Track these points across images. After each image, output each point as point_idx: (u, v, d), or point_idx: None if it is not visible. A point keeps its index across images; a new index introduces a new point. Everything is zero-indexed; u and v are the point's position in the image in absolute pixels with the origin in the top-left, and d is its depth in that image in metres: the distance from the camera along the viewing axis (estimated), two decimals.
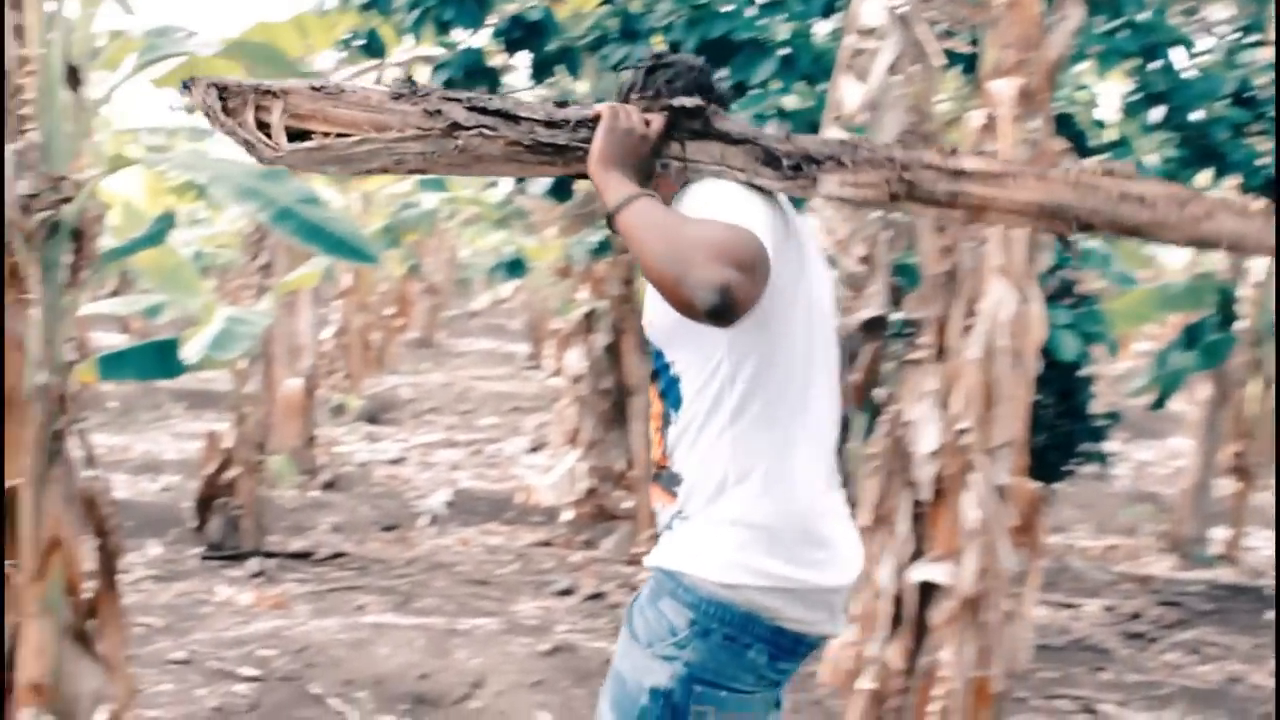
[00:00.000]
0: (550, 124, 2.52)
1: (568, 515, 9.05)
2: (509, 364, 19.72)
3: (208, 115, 2.48)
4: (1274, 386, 8.92)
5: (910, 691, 4.88)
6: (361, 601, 7.20)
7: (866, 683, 4.87)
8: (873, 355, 5.14)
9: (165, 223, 5.63)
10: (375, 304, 16.46)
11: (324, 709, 5.52)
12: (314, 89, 2.51)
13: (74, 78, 4.27)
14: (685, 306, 2.25)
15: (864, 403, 5.40)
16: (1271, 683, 6.62)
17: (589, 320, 8.92)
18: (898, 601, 4.85)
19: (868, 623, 4.93)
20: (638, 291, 8.82)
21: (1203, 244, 2.49)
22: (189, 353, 6.01)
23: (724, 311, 2.23)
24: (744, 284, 2.25)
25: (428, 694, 5.74)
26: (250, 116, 2.47)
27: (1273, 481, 11.93)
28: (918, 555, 4.86)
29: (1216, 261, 9.37)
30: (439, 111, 2.49)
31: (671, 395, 2.62)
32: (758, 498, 2.53)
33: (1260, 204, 2.47)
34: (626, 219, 2.37)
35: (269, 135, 2.48)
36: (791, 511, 2.54)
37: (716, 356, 2.54)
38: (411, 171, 2.58)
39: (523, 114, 2.51)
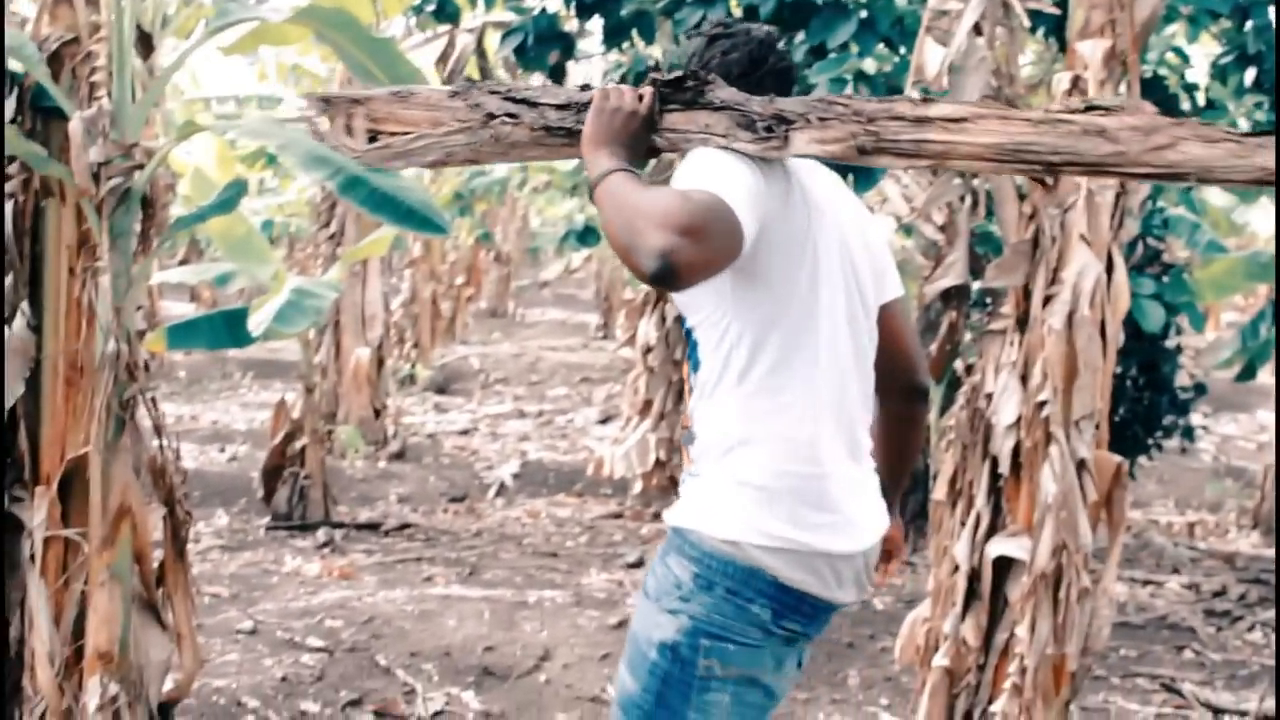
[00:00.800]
0: (560, 107, 2.60)
1: (637, 487, 8.96)
2: (579, 334, 19.65)
3: (311, 126, 2.76)
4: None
5: (985, 668, 4.77)
6: (429, 573, 7.14)
7: (940, 659, 4.76)
8: (951, 325, 5.01)
9: (236, 190, 5.53)
10: (445, 273, 16.43)
11: (390, 680, 5.46)
12: (391, 94, 2.72)
13: (146, 45, 4.22)
14: (636, 273, 2.28)
15: (942, 374, 5.28)
16: None
17: (661, 292, 8.79)
18: (973, 577, 4.73)
19: (943, 598, 4.83)
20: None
21: (1171, 176, 2.39)
22: (254, 324, 5.94)
23: (667, 277, 2.24)
24: (687, 249, 2.23)
25: (494, 666, 5.68)
26: (342, 123, 2.71)
27: None
28: (994, 530, 4.75)
29: None
30: (478, 104, 2.63)
31: (693, 358, 2.69)
32: (761, 459, 2.57)
33: (1226, 130, 2.36)
34: (598, 194, 2.41)
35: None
36: (794, 474, 2.57)
37: (726, 320, 2.58)
38: (464, 162, 2.71)
39: (540, 99, 2.61)
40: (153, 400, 4.08)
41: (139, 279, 4.13)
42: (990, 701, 4.71)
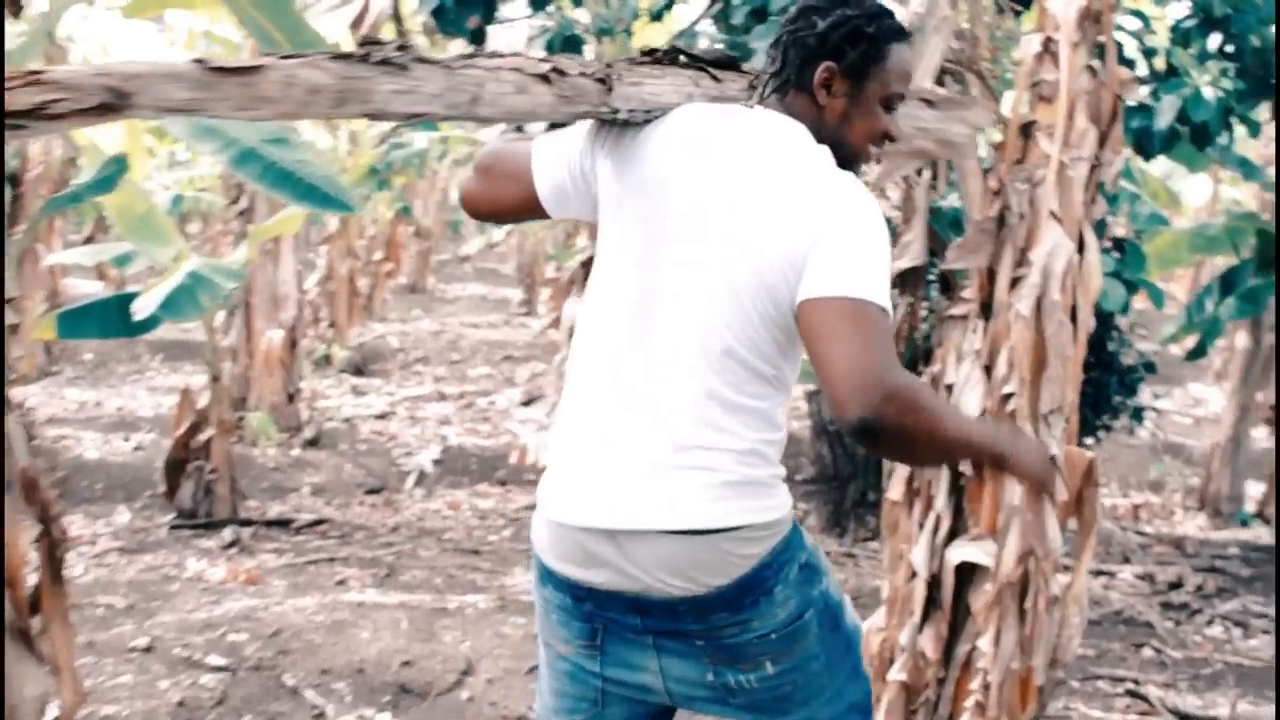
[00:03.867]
0: None
1: None
2: (501, 310, 19.15)
3: None
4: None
5: (945, 683, 4.41)
6: (342, 575, 6.67)
7: (897, 673, 4.40)
8: (909, 311, 4.61)
9: (116, 166, 5.06)
10: (363, 249, 15.87)
11: (298, 702, 5.00)
12: None
13: (14, 3, 3.72)
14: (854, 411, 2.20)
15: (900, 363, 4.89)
16: None
17: (587, 269, 8.36)
18: (932, 584, 4.37)
19: (899, 607, 4.46)
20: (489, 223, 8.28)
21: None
22: (141, 309, 5.46)
23: (463, 207, 2.73)
24: (469, 184, 2.67)
25: (412, 683, 5.23)
26: None
27: None
28: (955, 533, 4.38)
29: (1259, 201, 8.85)
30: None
31: None
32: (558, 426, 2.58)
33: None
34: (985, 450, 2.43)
35: None
36: (560, 441, 2.53)
37: None
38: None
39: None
40: (22, 404, 3.61)
41: (10, 260, 3.64)
42: (951, 718, 4.36)
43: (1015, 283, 4.17)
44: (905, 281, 4.55)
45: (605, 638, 2.52)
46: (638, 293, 2.44)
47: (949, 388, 4.34)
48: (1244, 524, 8.83)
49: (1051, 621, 4.43)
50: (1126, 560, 7.66)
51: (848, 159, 2.50)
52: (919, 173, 4.46)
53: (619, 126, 2.50)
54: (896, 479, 4.49)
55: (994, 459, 2.40)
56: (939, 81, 4.04)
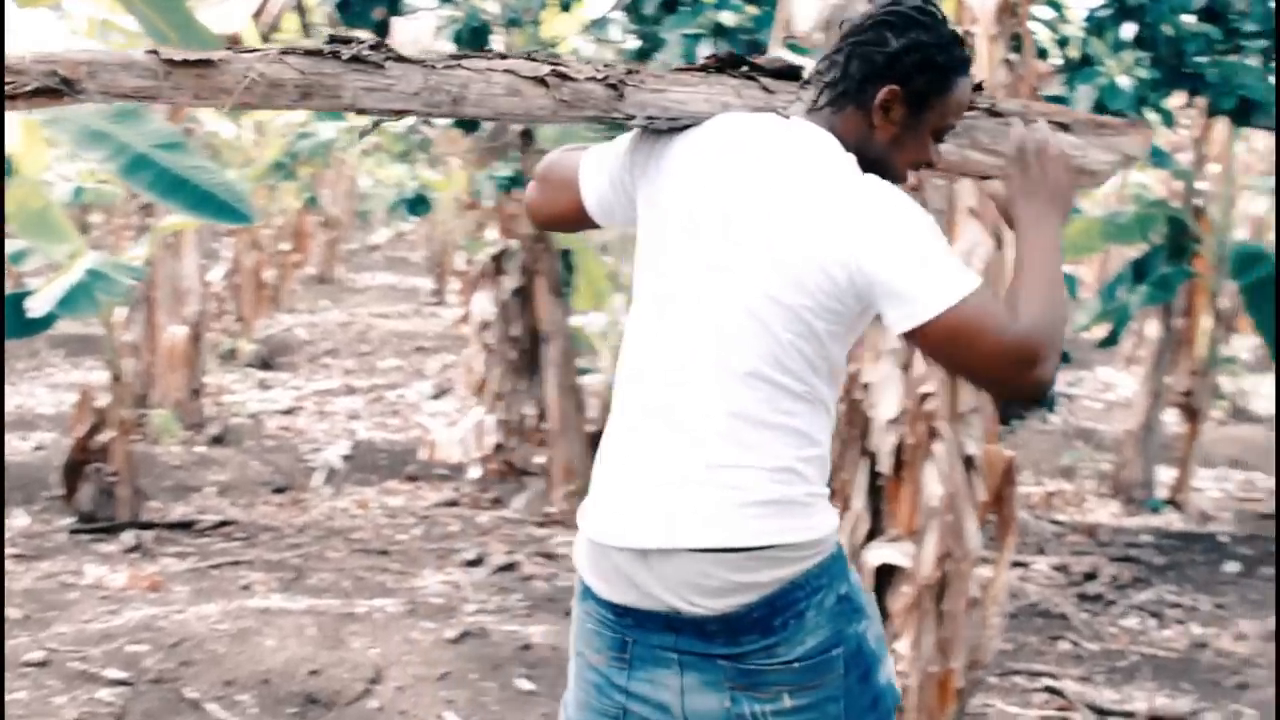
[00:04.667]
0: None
1: (475, 472, 8.39)
2: (411, 300, 18.94)
3: None
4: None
5: None
6: (247, 579, 6.50)
7: None
8: None
9: None
10: (269, 240, 15.62)
11: (200, 716, 4.84)
12: None
13: None
14: (1024, 367, 2.25)
15: None
16: (1240, 648, 6.17)
17: (498, 262, 8.22)
18: None
19: None
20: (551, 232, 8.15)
21: None
22: (34, 307, 5.27)
23: (528, 217, 2.78)
24: (530, 192, 2.70)
25: (319, 693, 5.08)
26: None
27: (1220, 420, 11.57)
28: (874, 534, 4.32)
29: (1167, 188, 8.88)
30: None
31: None
32: None
33: None
34: (1051, 254, 2.39)
35: None
36: (601, 455, 2.48)
37: None
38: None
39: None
40: None
41: None
42: None
43: None
44: None
45: (635, 650, 2.46)
46: (665, 307, 2.40)
47: (866, 386, 4.27)
48: (1155, 510, 8.86)
49: (971, 623, 4.37)
50: (1041, 551, 7.64)
51: (887, 178, 2.39)
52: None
53: (656, 135, 2.45)
54: None
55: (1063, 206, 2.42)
56: None
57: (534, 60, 2.35)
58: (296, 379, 12.72)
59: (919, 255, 2.24)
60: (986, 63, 3.94)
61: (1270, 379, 11.83)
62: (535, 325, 8.11)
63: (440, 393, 12.03)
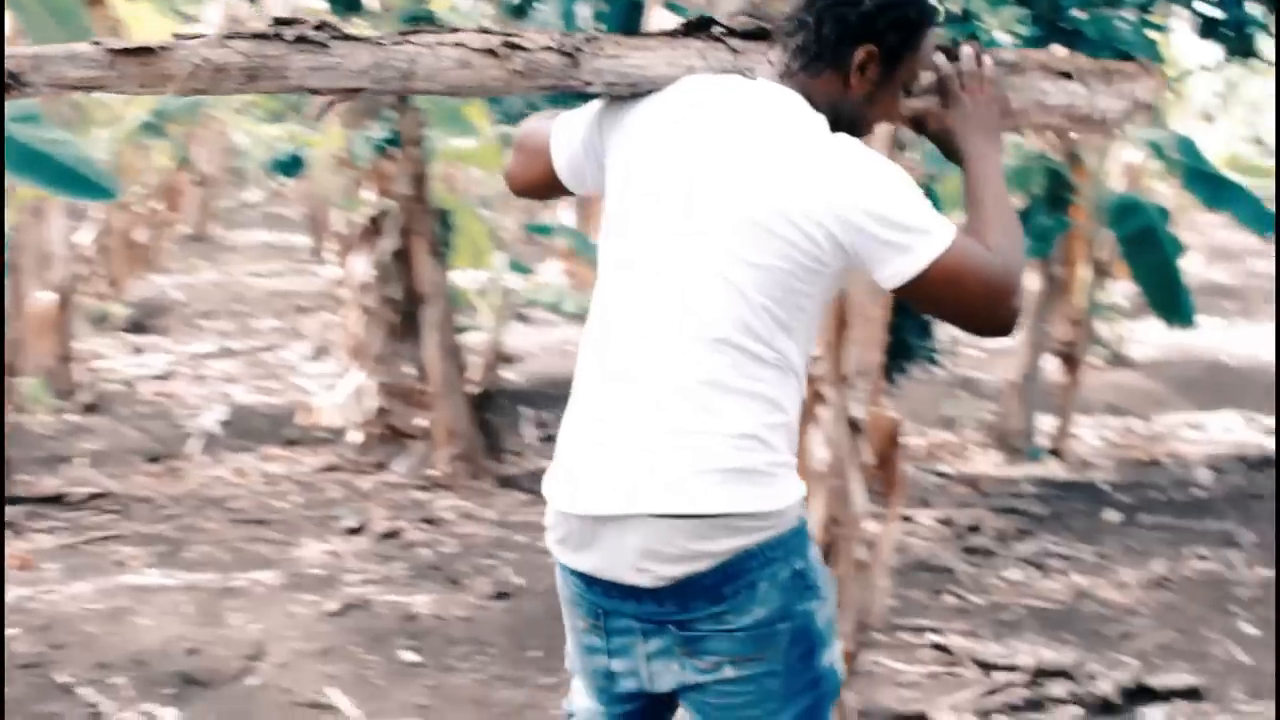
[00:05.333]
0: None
1: (356, 436, 8.25)
2: (289, 257, 18.59)
3: None
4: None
5: None
6: (121, 555, 6.32)
7: None
8: None
9: None
10: (141, 199, 15.24)
11: (73, 701, 4.70)
12: None
13: None
14: (996, 307, 2.35)
15: None
16: (1122, 597, 6.23)
17: (375, 223, 8.06)
18: None
19: None
20: (429, 190, 8.01)
21: None
22: None
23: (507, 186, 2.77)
24: (508, 161, 2.73)
25: (197, 672, 4.96)
26: None
27: (1098, 366, 11.69)
28: None
29: (1046, 142, 8.91)
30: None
31: None
32: None
33: None
34: (997, 186, 2.47)
35: None
36: (565, 422, 2.48)
37: None
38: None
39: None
40: None
41: None
42: None
43: None
44: None
45: (608, 620, 2.46)
46: (630, 272, 2.40)
47: None
48: (1037, 459, 8.93)
49: (858, 585, 4.35)
50: (925, 504, 7.67)
51: (857, 136, 2.40)
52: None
53: (623, 100, 2.45)
54: None
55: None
56: None
57: (485, 32, 2.34)
58: (171, 342, 12.44)
59: (902, 208, 2.28)
60: None
61: (1145, 325, 11.98)
62: (414, 287, 7.96)
63: (319, 353, 11.84)
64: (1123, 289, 12.25)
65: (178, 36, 2.16)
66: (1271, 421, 10.74)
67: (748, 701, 2.42)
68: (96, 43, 2.11)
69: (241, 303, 14.70)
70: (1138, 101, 2.67)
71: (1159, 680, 5.17)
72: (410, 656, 5.24)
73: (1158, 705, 5.02)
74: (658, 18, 4.31)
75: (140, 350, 11.93)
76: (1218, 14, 6.30)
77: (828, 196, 2.26)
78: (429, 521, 7.05)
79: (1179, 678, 5.21)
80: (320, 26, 2.22)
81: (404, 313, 8.09)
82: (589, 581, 2.43)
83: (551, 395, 10.56)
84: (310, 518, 7.08)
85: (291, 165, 8.39)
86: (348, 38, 2.23)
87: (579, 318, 11.78)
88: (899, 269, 2.28)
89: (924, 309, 2.45)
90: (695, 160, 2.35)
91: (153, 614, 5.38)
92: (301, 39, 2.19)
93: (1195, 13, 6.25)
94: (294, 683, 4.93)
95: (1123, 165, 12.65)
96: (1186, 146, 8.24)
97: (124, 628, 5.24)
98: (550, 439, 9.34)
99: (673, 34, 2.48)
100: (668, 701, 2.56)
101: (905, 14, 2.37)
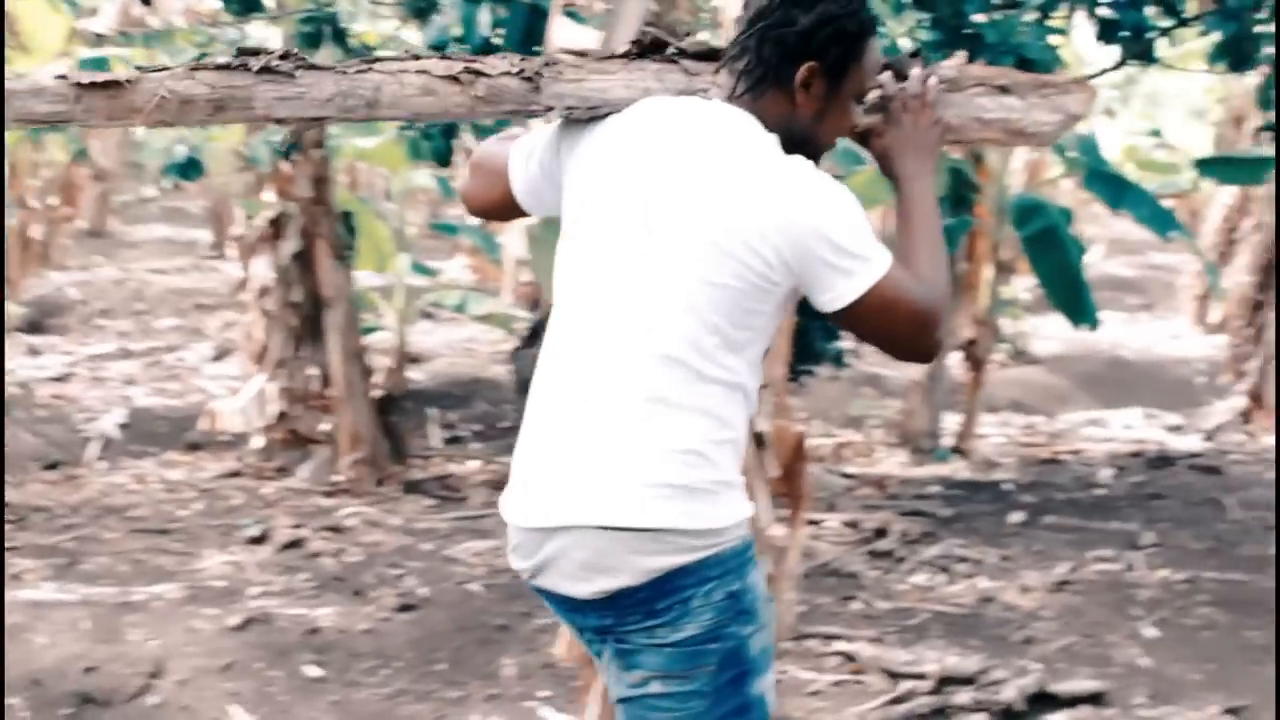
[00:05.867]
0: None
1: (258, 442, 8.15)
2: (189, 253, 18.35)
3: None
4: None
5: None
6: (17, 568, 6.18)
7: None
8: None
9: None
10: (37, 194, 14.96)
11: None
12: None
13: None
14: (921, 335, 2.39)
15: None
16: (1026, 601, 6.26)
17: (276, 226, 7.95)
18: None
19: None
20: (331, 193, 7.91)
21: None
22: None
23: (464, 207, 2.83)
24: (464, 182, 2.73)
25: (96, 691, 4.87)
26: None
27: (1001, 362, 11.79)
28: None
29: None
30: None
31: None
32: None
33: None
34: (926, 211, 2.49)
35: None
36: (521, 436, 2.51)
37: None
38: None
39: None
40: None
41: None
42: None
43: None
44: None
45: (579, 632, 2.54)
46: (584, 290, 2.42)
47: None
48: (943, 460, 8.99)
49: None
50: (832, 507, 7.69)
51: (813, 154, 2.43)
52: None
53: (580, 122, 2.48)
54: None
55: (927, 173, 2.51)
56: None
57: (446, 59, 2.40)
58: (68, 343, 12.25)
59: (849, 233, 2.31)
60: None
61: (1048, 320, 12.11)
62: (316, 290, 7.88)
63: (221, 354, 11.70)
64: (1026, 284, 12.39)
65: (142, 69, 2.20)
66: (1171, 418, 10.91)
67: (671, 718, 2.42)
68: (62, 77, 2.15)
69: (141, 301, 14.50)
70: (1070, 115, 2.72)
71: (1062, 686, 5.18)
72: (314, 671, 5.17)
73: (1061, 712, 5.05)
74: (559, 27, 4.27)
75: (36, 351, 11.74)
76: (1115, 17, 6.37)
77: (779, 217, 2.29)
78: (333, 530, 6.97)
79: (1082, 684, 5.23)
80: (285, 56, 2.26)
81: (306, 316, 8.00)
82: (545, 595, 2.48)
83: (458, 396, 10.52)
84: (212, 527, 6.97)
85: (188, 168, 8.26)
86: (312, 67, 2.27)
87: (484, 320, 11.75)
88: (839, 293, 2.31)
89: (854, 333, 2.46)
90: (651, 181, 2.37)
91: (49, 631, 5.28)
92: (266, 69, 2.22)
93: (1095, 17, 6.31)
94: (195, 700, 4.85)
95: (1025, 164, 12.77)
96: (1088, 147, 8.34)
97: (18, 646, 5.12)
98: (457, 440, 9.31)
99: (627, 55, 2.50)
100: None
101: (843, 27, 2.38)
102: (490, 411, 10.09)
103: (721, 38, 4.03)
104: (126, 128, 2.27)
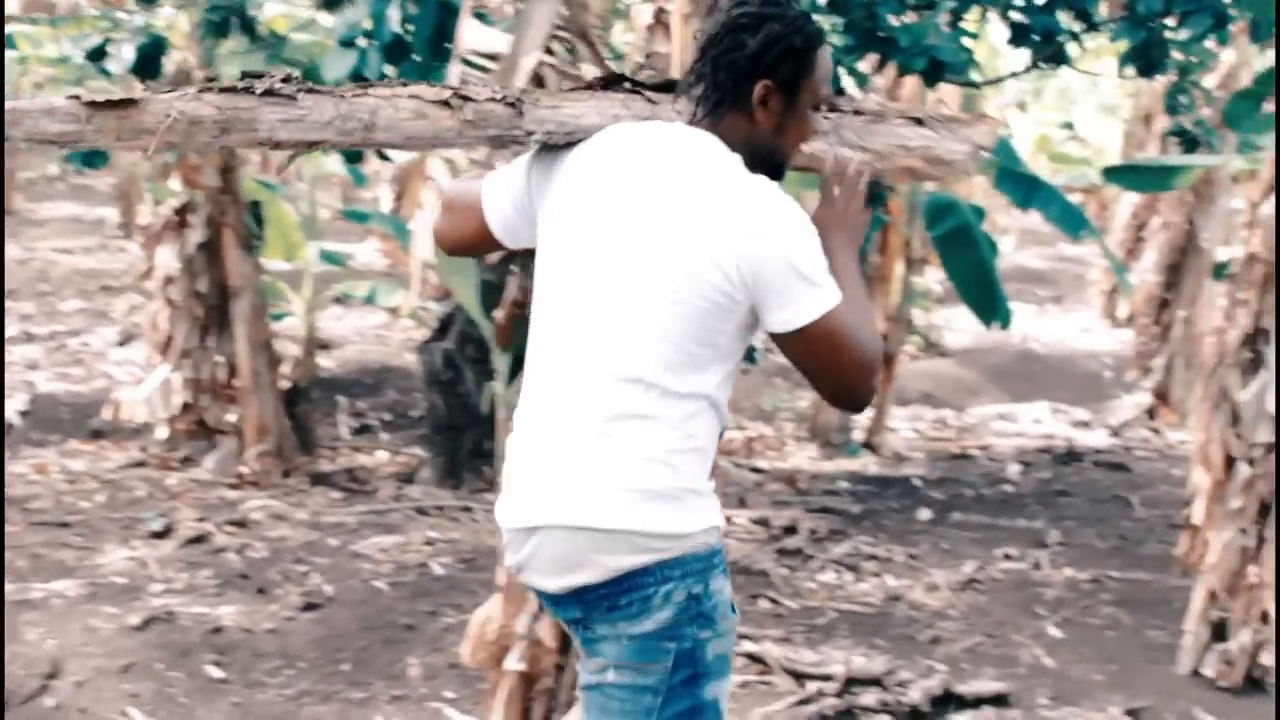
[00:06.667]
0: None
1: (163, 432, 8.02)
2: (97, 233, 18.04)
3: None
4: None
5: (565, 670, 4.28)
6: None
7: (515, 663, 4.23)
8: (520, 288, 4.39)
9: None
10: None
11: None
12: None
13: None
14: (855, 390, 2.50)
15: (510, 342, 4.66)
16: (932, 600, 6.30)
17: (181, 214, 7.83)
18: None
19: (516, 594, 4.27)
20: (238, 182, 7.79)
21: None
22: None
23: (436, 244, 2.96)
24: (437, 221, 2.83)
25: None
26: None
27: (912, 354, 11.85)
28: None
29: None
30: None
31: None
32: None
33: None
34: (847, 298, 2.52)
35: None
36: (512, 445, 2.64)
37: None
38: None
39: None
40: None
41: None
42: (569, 706, 4.22)
43: None
44: (514, 258, 4.32)
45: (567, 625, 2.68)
46: (559, 310, 2.55)
47: None
48: (853, 454, 9.02)
49: None
50: (743, 503, 7.69)
51: (777, 167, 2.57)
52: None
53: (551, 152, 2.58)
54: (510, 460, 4.28)
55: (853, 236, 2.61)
56: (548, 49, 3.82)
57: (434, 86, 2.48)
58: None
59: (807, 259, 2.41)
60: (679, 42, 3.83)
61: (959, 312, 12.18)
62: (223, 279, 7.77)
63: (127, 339, 11.51)
64: (938, 275, 12.44)
65: (151, 90, 2.27)
66: (1079, 413, 11.01)
67: (622, 710, 2.55)
68: (75, 97, 2.17)
69: (46, 282, 14.24)
70: (977, 145, 2.90)
71: (967, 687, 5.22)
72: (216, 672, 5.10)
73: (965, 713, 5.08)
74: (469, 28, 4.22)
75: None
76: (1026, 21, 6.38)
77: (741, 235, 2.39)
78: (238, 524, 6.88)
79: (986, 685, 5.26)
80: (287, 79, 2.32)
81: (212, 306, 7.89)
82: (535, 590, 2.64)
83: (368, 384, 10.43)
84: (114, 520, 6.86)
85: (92, 156, 8.08)
86: (312, 90, 2.33)
87: (393, 311, 11.65)
88: (790, 316, 2.40)
89: (799, 361, 2.49)
90: (619, 206, 2.48)
91: None
92: (270, 92, 2.27)
93: (1007, 20, 6.32)
94: (93, 703, 4.77)
95: None
96: (1000, 146, 8.36)
97: None
98: (366, 429, 9.22)
99: (591, 87, 2.63)
100: None
101: (790, 44, 2.49)
102: (400, 400, 10.01)
103: (635, 42, 4.01)
104: (137, 150, 2.27)
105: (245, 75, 2.31)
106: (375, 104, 2.39)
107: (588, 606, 2.54)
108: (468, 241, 2.81)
